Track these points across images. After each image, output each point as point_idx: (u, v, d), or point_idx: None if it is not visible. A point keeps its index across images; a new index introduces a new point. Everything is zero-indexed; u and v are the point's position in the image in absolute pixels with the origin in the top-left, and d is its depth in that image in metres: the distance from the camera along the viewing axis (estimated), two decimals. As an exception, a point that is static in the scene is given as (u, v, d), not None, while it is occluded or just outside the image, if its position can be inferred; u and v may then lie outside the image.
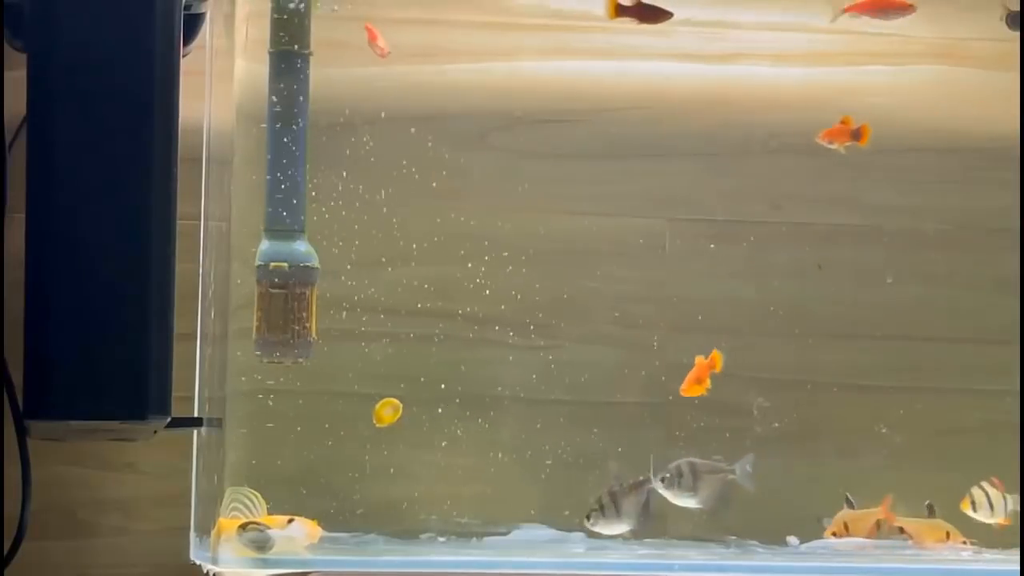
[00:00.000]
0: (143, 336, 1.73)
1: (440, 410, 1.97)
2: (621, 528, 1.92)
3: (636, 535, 1.93)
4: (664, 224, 2.04)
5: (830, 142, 1.98)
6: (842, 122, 1.98)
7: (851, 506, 1.98)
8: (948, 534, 1.97)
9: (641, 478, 1.93)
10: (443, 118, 2.00)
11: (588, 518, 1.92)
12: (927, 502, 1.98)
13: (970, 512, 1.96)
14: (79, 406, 1.72)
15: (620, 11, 1.94)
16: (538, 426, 1.99)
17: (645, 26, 2.02)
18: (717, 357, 1.96)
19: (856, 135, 1.98)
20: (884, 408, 2.04)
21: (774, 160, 2.05)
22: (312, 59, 1.90)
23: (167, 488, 2.03)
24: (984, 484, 1.96)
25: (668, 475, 1.93)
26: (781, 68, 2.07)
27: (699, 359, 1.96)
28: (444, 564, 1.94)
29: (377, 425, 1.93)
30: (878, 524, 1.97)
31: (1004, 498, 1.96)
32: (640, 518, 1.92)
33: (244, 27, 1.90)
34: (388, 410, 1.94)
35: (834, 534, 1.98)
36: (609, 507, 1.92)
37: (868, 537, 1.96)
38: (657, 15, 1.95)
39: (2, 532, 1.82)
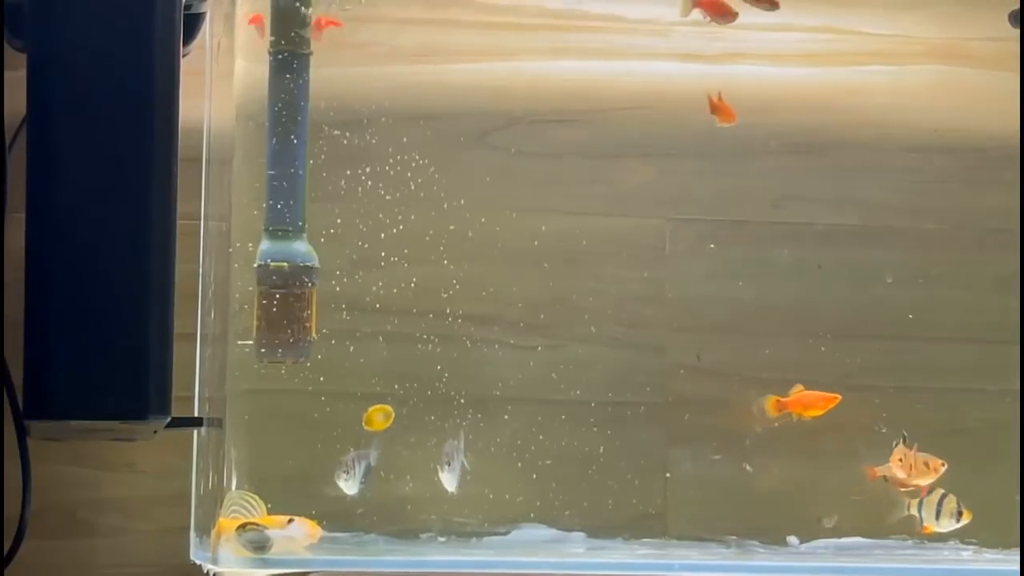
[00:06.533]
0: (143, 336, 1.73)
1: (440, 410, 1.96)
2: (354, 489, 1.94)
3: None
4: (664, 224, 2.04)
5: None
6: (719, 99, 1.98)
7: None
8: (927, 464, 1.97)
9: (369, 451, 1.94)
10: (443, 118, 2.00)
11: (339, 478, 1.93)
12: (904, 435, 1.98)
13: None
14: (79, 406, 1.72)
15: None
16: (538, 426, 1.99)
17: (644, 26, 2.02)
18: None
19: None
20: (884, 408, 2.04)
21: (774, 160, 2.05)
22: (312, 59, 1.90)
23: (167, 488, 2.03)
24: None
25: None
26: (781, 68, 2.07)
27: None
28: (444, 564, 1.94)
29: (368, 429, 1.94)
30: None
31: None
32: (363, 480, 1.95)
33: (244, 27, 1.90)
34: (380, 416, 1.93)
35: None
36: (352, 468, 1.93)
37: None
38: None
39: (2, 532, 1.82)
